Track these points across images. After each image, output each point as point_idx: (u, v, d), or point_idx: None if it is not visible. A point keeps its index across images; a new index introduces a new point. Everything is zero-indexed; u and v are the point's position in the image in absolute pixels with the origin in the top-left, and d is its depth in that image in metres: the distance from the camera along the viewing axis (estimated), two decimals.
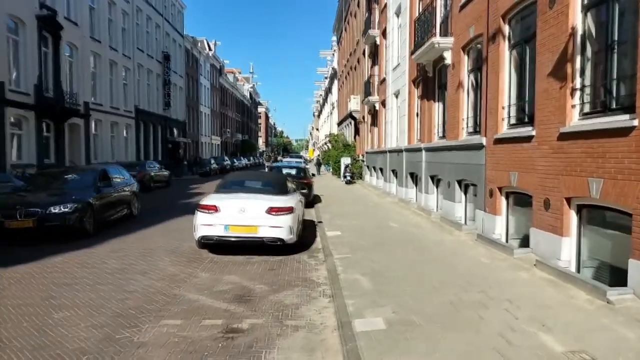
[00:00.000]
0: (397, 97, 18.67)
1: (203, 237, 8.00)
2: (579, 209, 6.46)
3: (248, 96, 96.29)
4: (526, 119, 8.06)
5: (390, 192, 19.11)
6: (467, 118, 11.04)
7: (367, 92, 24.33)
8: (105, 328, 4.81)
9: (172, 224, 11.76)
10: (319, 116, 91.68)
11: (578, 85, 6.48)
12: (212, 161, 42.71)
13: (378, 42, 22.61)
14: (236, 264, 7.64)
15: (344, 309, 5.19)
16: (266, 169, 30.37)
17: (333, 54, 53.34)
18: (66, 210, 9.34)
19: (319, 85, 79.00)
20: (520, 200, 8.23)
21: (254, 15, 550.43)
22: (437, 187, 13.43)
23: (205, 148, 58.57)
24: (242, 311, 5.37)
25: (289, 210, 8.14)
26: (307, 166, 30.36)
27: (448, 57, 11.80)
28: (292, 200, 8.67)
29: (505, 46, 8.72)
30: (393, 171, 18.97)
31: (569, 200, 6.50)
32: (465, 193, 11.16)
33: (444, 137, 12.70)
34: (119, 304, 5.58)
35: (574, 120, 6.49)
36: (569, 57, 6.50)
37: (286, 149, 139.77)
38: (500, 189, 8.78)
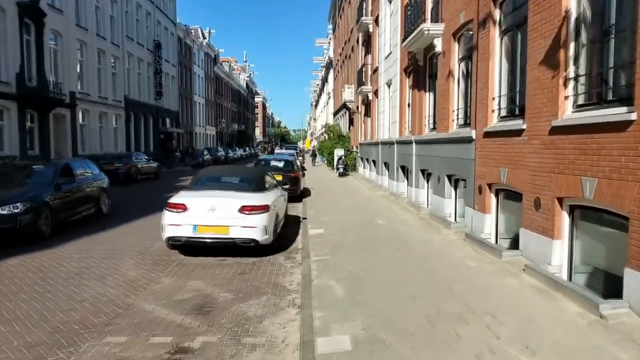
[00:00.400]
0: (389, 87, 18.06)
1: (170, 239, 7.48)
2: (572, 210, 5.94)
3: (244, 86, 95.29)
4: (517, 111, 7.51)
5: (382, 186, 18.59)
6: (458, 109, 10.48)
7: (360, 82, 23.70)
8: (39, 347, 4.31)
9: (148, 221, 11.22)
10: (316, 106, 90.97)
11: (572, 75, 5.92)
12: (205, 152, 42.08)
13: (371, 30, 21.93)
14: (205, 267, 7.13)
15: (309, 324, 4.68)
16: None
17: (329, 43, 52.51)
18: (17, 211, 8.48)
19: (316, 74, 78.12)
20: (511, 198, 7.71)
21: (250, 3, 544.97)
22: (427, 182, 12.91)
23: (199, 139, 57.87)
24: (197, 326, 4.87)
25: (264, 208, 7.61)
26: (300, 158, 29.81)
27: (438, 45, 11.20)
28: (268, 197, 8.14)
29: (496, 32, 8.13)
30: (385, 164, 18.43)
31: (560, 200, 5.98)
32: (456, 188, 10.64)
33: (434, 129, 12.15)
34: (63, 316, 5.07)
35: (567, 113, 5.95)
36: (562, 44, 5.94)
37: (284, 139, 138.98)
38: (489, 185, 8.25)
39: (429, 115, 12.85)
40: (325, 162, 36.24)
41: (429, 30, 11.04)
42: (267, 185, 8.86)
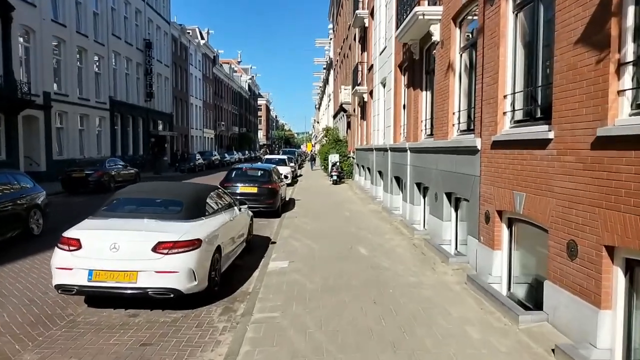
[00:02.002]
0: (384, 86, 16.01)
1: (60, 287, 5.46)
2: (630, 267, 3.86)
3: (246, 88, 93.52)
4: (538, 113, 5.45)
5: (375, 197, 16.51)
6: (459, 112, 8.42)
7: (355, 82, 21.67)
8: None
9: None
10: (319, 109, 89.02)
11: (630, 57, 3.86)
12: (198, 156, 40.21)
13: (367, 24, 19.91)
14: (102, 330, 5.11)
15: None
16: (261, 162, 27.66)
17: (329, 43, 50.52)
18: None
19: (318, 76, 76.10)
20: (531, 233, 5.63)
21: (253, 5, 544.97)
22: (423, 198, 10.83)
23: (196, 142, 56.06)
24: None
25: (192, 245, 5.58)
26: (292, 164, 27.79)
27: (436, 33, 9.14)
28: (205, 227, 6.11)
29: (508, 7, 6.07)
30: (379, 173, 16.36)
31: (611, 250, 3.91)
32: (457, 209, 8.56)
33: (431, 135, 10.08)
34: None
35: (623, 116, 3.88)
36: (615, 10, 3.88)
37: (288, 142, 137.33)
38: (500, 213, 6.17)
39: (425, 119, 10.79)
40: (321, 167, 34.22)
41: (424, 13, 9.00)
42: (210, 209, 6.83)
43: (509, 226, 6.10)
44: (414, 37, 10.59)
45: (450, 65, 8.53)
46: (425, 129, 10.73)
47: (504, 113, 6.14)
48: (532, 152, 5.16)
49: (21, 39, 22.36)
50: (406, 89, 12.72)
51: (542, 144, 4.92)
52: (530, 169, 5.21)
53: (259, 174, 13.66)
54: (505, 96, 6.13)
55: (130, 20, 35.40)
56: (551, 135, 4.77)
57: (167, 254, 5.40)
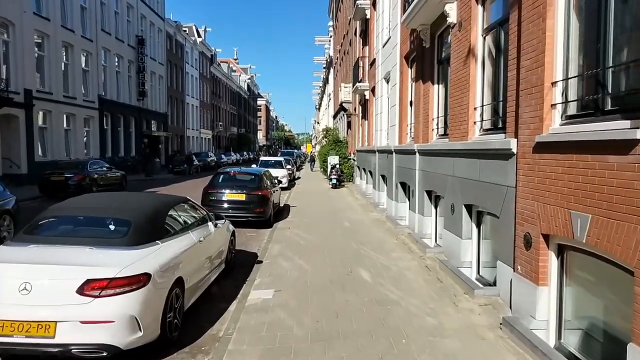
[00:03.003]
0: (387, 81, 14.55)
1: None
2: None
3: (245, 88, 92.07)
4: (608, 104, 3.99)
5: (378, 204, 15.04)
6: (482, 106, 6.96)
7: (356, 78, 20.21)
8: None
9: None
10: (319, 109, 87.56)
11: None
12: (193, 157, 38.72)
13: (368, 16, 18.45)
14: None
15: None
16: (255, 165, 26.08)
17: (329, 41, 49.07)
18: None
19: (318, 75, 74.60)
20: (597, 269, 4.15)
21: (251, 3, 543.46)
22: (435, 207, 9.36)
23: (193, 143, 54.63)
24: None
25: (136, 282, 4.12)
26: (289, 166, 26.33)
27: (452, 13, 7.67)
28: (157, 256, 4.62)
29: None
30: (382, 177, 14.89)
31: None
32: (479, 224, 7.09)
33: (445, 135, 8.62)
34: None
35: None
36: None
37: (289, 143, 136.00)
38: (547, 237, 4.69)
39: (437, 117, 9.32)
40: (321, 169, 32.76)
41: None
42: (171, 228, 5.36)
43: (560, 255, 4.63)
44: (424, 21, 9.13)
45: (471, 50, 7.06)
46: (438, 128, 9.26)
47: (553, 106, 4.67)
48: (604, 159, 3.69)
49: None
50: (413, 83, 11.27)
51: (624, 147, 3.44)
52: (600, 182, 3.74)
53: (248, 179, 12.18)
54: (554, 83, 4.65)
55: (121, 15, 33.94)
56: (638, 134, 3.30)
57: (98, 296, 3.94)
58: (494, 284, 6.37)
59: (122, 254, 4.41)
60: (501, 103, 6.35)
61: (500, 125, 6.36)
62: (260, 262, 7.99)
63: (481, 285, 6.23)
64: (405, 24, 9.82)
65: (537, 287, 4.75)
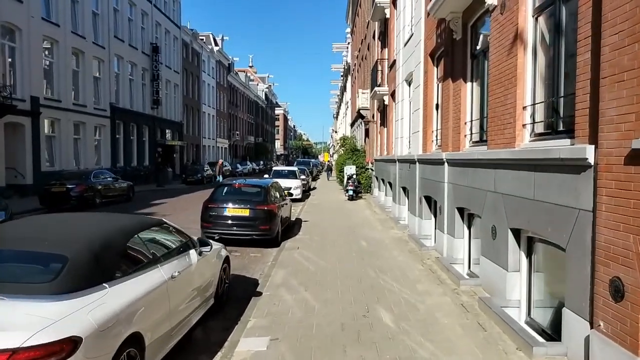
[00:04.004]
0: (409, 84, 13.17)
1: None
2: None
3: (263, 97, 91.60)
4: None
5: (399, 219, 13.58)
6: (533, 105, 5.53)
7: (374, 82, 18.86)
8: None
9: None
10: (337, 117, 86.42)
11: None
12: (206, 167, 37.79)
13: (387, 15, 17.13)
14: None
15: None
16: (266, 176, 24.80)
17: (347, 47, 47.92)
18: None
19: (336, 84, 73.49)
20: None
21: (269, 13, 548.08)
22: (468, 228, 7.89)
23: (209, 152, 53.91)
24: None
25: (57, 353, 2.83)
26: (303, 177, 25.02)
27: None
28: (96, 308, 3.27)
29: None
30: (403, 189, 13.45)
31: None
32: (530, 254, 5.62)
33: (482, 142, 7.20)
34: None
35: None
36: None
37: (306, 152, 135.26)
38: None
39: (471, 120, 7.89)
40: (337, 179, 31.39)
41: None
42: (130, 264, 4.06)
43: None
44: (455, 8, 7.75)
45: (518, 36, 5.65)
46: (472, 134, 7.83)
47: None
48: None
49: (5, 38, 20.21)
50: (440, 84, 9.86)
51: None
52: None
53: (253, 192, 10.87)
54: None
55: (135, 22, 33.35)
56: None
57: None
58: (553, 331, 4.91)
59: (42, 308, 3.11)
60: (562, 99, 4.93)
61: (561, 128, 4.93)
62: (260, 294, 6.65)
63: (540, 339, 4.75)
64: (432, 13, 8.44)
65: (636, 359, 3.29)
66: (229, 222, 10.19)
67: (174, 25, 41.40)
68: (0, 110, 19.00)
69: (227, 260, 6.54)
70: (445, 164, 8.49)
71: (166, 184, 31.22)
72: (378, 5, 17.40)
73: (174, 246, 4.98)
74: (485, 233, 6.57)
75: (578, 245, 4.15)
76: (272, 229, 10.29)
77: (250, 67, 75.38)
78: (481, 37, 7.61)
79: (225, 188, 11.14)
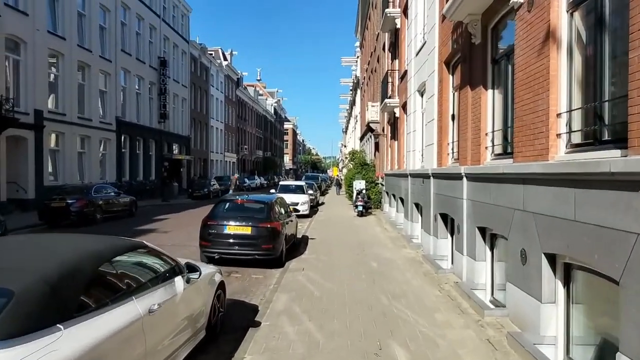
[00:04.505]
0: (422, 94, 12.53)
1: None
2: None
3: (272, 111, 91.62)
4: None
5: (412, 237, 12.82)
6: (570, 111, 4.84)
7: (385, 94, 18.26)
8: None
9: None
10: (346, 132, 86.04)
11: None
12: (213, 181, 37.31)
13: (398, 25, 16.60)
14: None
15: None
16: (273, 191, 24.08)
17: (356, 61, 47.61)
18: None
19: (345, 98, 73.21)
20: None
21: (280, 28, 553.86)
22: (492, 250, 7.14)
23: (217, 166, 53.57)
24: None
25: None
26: (310, 192, 24.33)
27: None
28: (43, 358, 2.66)
29: None
30: (416, 205, 12.71)
31: None
32: (568, 283, 4.87)
33: (507, 154, 6.50)
34: None
35: None
36: None
37: (315, 167, 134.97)
38: None
39: (492, 131, 7.20)
40: (346, 194, 30.69)
41: None
42: (99, 298, 3.39)
43: None
44: (473, 9, 7.12)
45: (550, 35, 4.98)
46: (494, 146, 7.13)
47: None
48: None
49: (9, 50, 19.97)
50: (456, 93, 9.20)
51: None
52: None
53: (256, 209, 10.19)
54: None
55: (143, 36, 33.27)
56: None
57: None
58: None
59: None
60: (608, 104, 4.23)
61: (607, 137, 4.22)
62: (258, 324, 5.93)
63: None
64: (448, 16, 7.82)
65: None
66: (230, 240, 9.52)
67: (182, 39, 41.40)
68: (2, 123, 18.66)
69: (221, 285, 5.84)
70: (464, 178, 7.78)
71: (172, 199, 30.73)
72: (388, 15, 16.89)
73: (154, 273, 4.31)
74: (512, 257, 5.82)
75: (637, 277, 3.42)
76: (275, 248, 9.60)
77: (258, 80, 75.37)
78: (503, 39, 6.95)
79: (226, 204, 10.49)
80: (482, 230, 7.23)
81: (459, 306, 6.53)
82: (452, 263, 8.92)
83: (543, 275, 4.99)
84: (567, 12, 4.92)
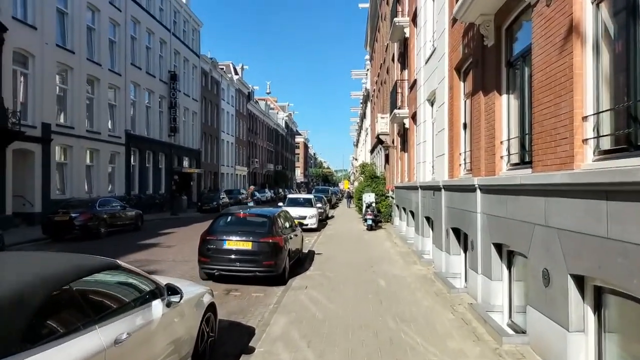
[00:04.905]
0: (432, 103, 12.03)
1: None
2: None
3: (283, 125, 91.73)
4: None
5: (422, 252, 12.21)
6: (598, 114, 4.29)
7: (394, 105, 17.78)
8: None
9: None
10: (357, 145, 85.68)
11: None
12: (223, 194, 37.00)
13: (407, 34, 16.18)
14: None
15: None
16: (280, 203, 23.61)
17: (366, 74, 47.35)
18: None
19: (355, 111, 72.94)
20: None
21: (292, 43, 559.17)
22: (509, 269, 6.53)
23: (227, 179, 53.40)
24: None
25: None
26: (319, 205, 23.79)
27: None
28: None
29: None
30: (427, 219, 12.12)
31: None
32: (599, 309, 4.27)
33: (525, 163, 5.94)
34: None
35: None
36: None
37: (327, 180, 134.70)
38: None
39: (508, 139, 6.65)
40: (356, 208, 30.10)
41: None
42: (54, 328, 2.92)
43: None
44: (486, 9, 6.63)
45: (573, 30, 4.47)
46: (509, 155, 6.57)
47: None
48: None
49: (18, 64, 19.95)
50: (468, 100, 8.68)
51: None
52: None
53: (257, 222, 9.69)
54: None
55: (153, 50, 33.37)
56: None
57: None
58: None
59: None
60: None
61: None
62: (252, 350, 5.40)
63: None
64: (459, 17, 7.34)
65: None
66: (229, 256, 9.02)
67: (193, 53, 41.54)
68: (8, 137, 18.53)
69: (212, 307, 5.32)
70: (477, 190, 7.21)
71: (180, 212, 30.43)
72: (397, 24, 16.49)
73: (126, 297, 3.82)
74: (533, 277, 5.23)
75: None
76: (277, 265, 9.07)
77: (268, 93, 75.42)
78: (519, 40, 6.44)
79: (227, 218, 10.01)
80: (498, 247, 6.63)
81: (474, 331, 5.91)
82: (466, 281, 8.31)
83: (570, 300, 4.39)
84: (592, 3, 4.40)
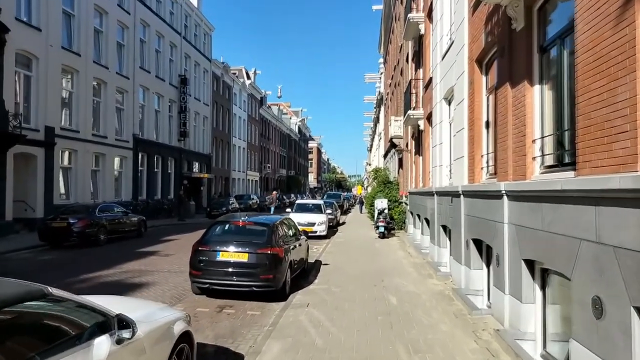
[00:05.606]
0: (449, 102, 11.06)
1: None
2: None
3: (296, 130, 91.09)
4: None
5: (439, 264, 11.19)
6: None
7: (408, 106, 16.81)
8: None
9: None
10: (370, 150, 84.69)
11: None
12: (232, 200, 36.26)
13: (422, 31, 15.24)
14: None
15: None
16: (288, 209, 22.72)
17: (380, 78, 46.39)
18: None
19: (369, 116, 71.96)
20: None
21: (303, 49, 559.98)
22: (543, 290, 5.52)
23: (239, 185, 52.76)
24: None
25: None
26: (329, 211, 22.81)
27: None
28: None
29: None
30: (444, 228, 11.11)
31: None
32: None
33: (564, 165, 4.96)
34: None
35: None
36: None
37: (340, 185, 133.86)
38: None
39: (542, 137, 5.66)
40: (368, 214, 29.08)
41: None
42: None
43: None
44: None
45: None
46: (543, 156, 5.58)
47: None
48: None
49: (20, 65, 19.47)
50: (491, 95, 7.71)
51: None
52: None
53: (256, 231, 8.79)
54: None
55: (163, 54, 32.89)
56: None
57: None
58: None
59: None
60: None
61: None
62: None
63: None
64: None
65: None
66: (224, 269, 8.13)
67: (204, 57, 41.07)
68: (8, 140, 18.00)
69: (186, 337, 4.42)
70: (504, 197, 6.22)
71: (188, 218, 29.77)
72: (411, 21, 15.56)
73: (58, 335, 2.95)
74: (579, 304, 4.23)
75: None
76: (276, 279, 8.16)
77: (279, 97, 74.78)
78: (554, 22, 5.47)
79: (223, 226, 9.15)
80: (530, 264, 5.63)
81: None
82: (489, 300, 7.30)
83: (634, 339, 3.40)
84: None
